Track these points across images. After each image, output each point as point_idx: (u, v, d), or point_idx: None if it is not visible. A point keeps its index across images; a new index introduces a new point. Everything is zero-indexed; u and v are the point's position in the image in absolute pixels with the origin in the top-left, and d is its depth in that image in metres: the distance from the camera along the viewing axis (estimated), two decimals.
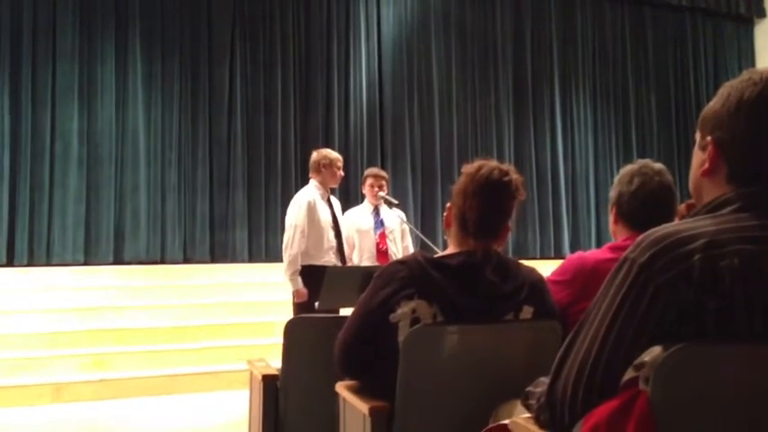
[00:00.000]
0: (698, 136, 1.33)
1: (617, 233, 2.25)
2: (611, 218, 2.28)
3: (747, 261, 1.11)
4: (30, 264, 7.65)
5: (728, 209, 1.21)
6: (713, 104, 1.30)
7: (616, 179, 2.25)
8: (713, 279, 1.11)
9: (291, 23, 9.21)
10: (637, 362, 1.14)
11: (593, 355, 1.19)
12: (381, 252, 5.32)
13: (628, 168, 2.22)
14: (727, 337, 1.12)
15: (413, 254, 2.01)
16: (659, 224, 1.22)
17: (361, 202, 5.69)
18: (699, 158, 1.32)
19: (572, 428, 1.19)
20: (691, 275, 1.12)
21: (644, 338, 1.15)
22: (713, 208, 1.23)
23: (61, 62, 8.05)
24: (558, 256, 9.79)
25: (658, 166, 2.21)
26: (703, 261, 1.12)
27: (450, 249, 2.02)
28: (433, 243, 5.50)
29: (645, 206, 2.14)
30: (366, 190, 5.45)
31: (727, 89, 1.28)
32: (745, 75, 1.27)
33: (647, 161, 2.24)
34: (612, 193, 2.25)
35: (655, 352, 1.12)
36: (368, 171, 5.61)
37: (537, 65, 10.65)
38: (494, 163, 2.00)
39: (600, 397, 1.17)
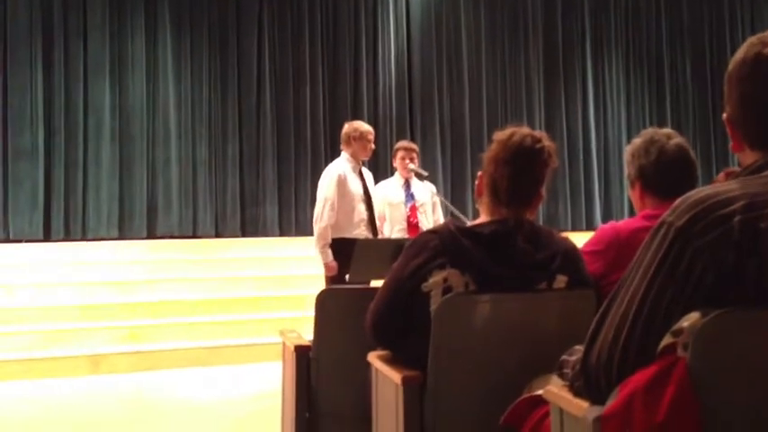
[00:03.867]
0: None
1: (646, 207, 2.20)
2: (634, 194, 2.23)
3: None
4: (66, 239, 7.79)
5: (766, 173, 1.18)
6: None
7: (628, 155, 2.21)
8: (753, 241, 1.08)
9: None
10: (675, 328, 1.11)
11: (629, 319, 1.17)
12: (412, 225, 5.30)
13: (638, 142, 2.18)
14: (765, 300, 1.09)
15: (444, 223, 1.99)
16: (688, 186, 1.21)
17: (391, 175, 5.67)
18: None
19: (608, 395, 1.17)
20: (730, 238, 1.09)
21: (682, 303, 1.13)
22: (752, 171, 1.21)
23: (92, 38, 8.13)
24: (590, 228, 9.69)
25: (666, 130, 2.19)
26: (743, 223, 1.09)
27: (482, 218, 2.00)
28: (463, 215, 5.46)
29: (670, 172, 2.10)
30: (397, 163, 5.43)
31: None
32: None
33: (653, 129, 2.21)
34: (630, 170, 2.21)
35: (693, 318, 1.09)
36: (398, 144, 5.59)
37: (568, 31, 10.47)
38: (526, 129, 1.96)
39: (636, 363, 1.15)
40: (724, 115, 1.30)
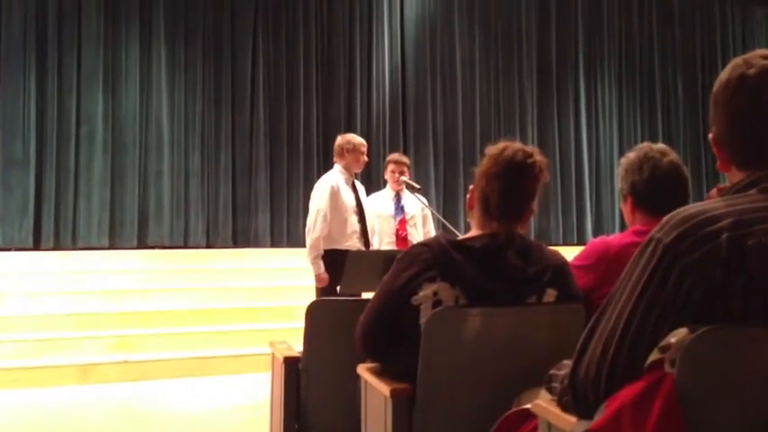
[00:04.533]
0: None
1: (636, 222, 2.22)
2: (626, 208, 2.25)
3: None
4: (56, 247, 7.75)
5: (754, 190, 1.20)
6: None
7: (622, 170, 2.22)
8: (741, 258, 1.10)
9: (314, 7, 9.20)
10: (662, 343, 1.12)
11: (617, 335, 1.18)
12: (401, 238, 5.31)
13: (632, 156, 2.20)
14: (754, 317, 1.10)
15: (435, 236, 2.00)
16: (680, 203, 1.22)
17: (383, 187, 5.68)
18: None
19: (596, 410, 1.18)
20: (718, 255, 1.10)
21: (670, 319, 1.13)
22: (738, 189, 1.23)
23: (86, 47, 8.12)
24: (581, 242, 9.72)
25: (660, 146, 2.20)
26: (730, 240, 1.10)
27: (473, 232, 2.00)
28: (454, 228, 5.48)
29: (662, 189, 2.12)
30: (388, 176, 5.44)
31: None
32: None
33: (647, 144, 2.22)
34: (623, 185, 2.22)
35: (681, 334, 1.10)
36: (389, 157, 5.60)
37: (561, 47, 10.55)
38: (518, 144, 1.98)
39: (624, 378, 1.15)
40: (710, 135, 1.32)
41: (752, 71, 1.23)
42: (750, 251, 1.10)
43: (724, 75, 1.27)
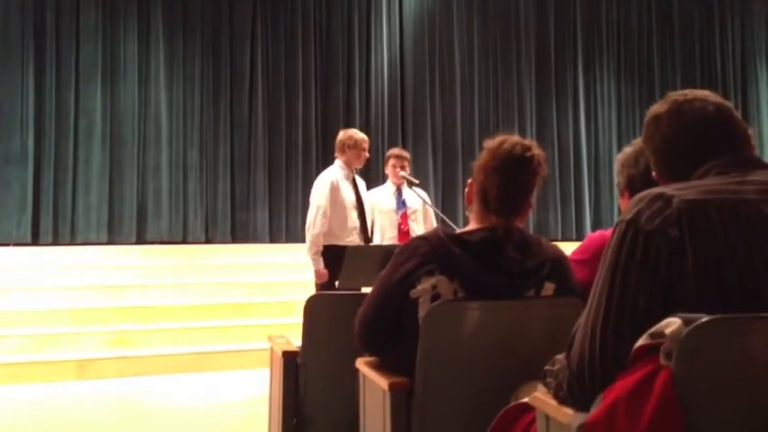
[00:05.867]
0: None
1: None
2: (623, 203, 2.24)
3: (728, 209, 1.22)
4: (54, 242, 7.75)
5: (710, 176, 1.35)
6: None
7: (618, 165, 2.22)
8: (690, 215, 1.21)
9: (312, 2, 9.19)
10: (653, 330, 1.12)
11: (601, 318, 1.23)
12: (403, 232, 5.30)
13: (628, 151, 2.19)
14: (704, 274, 1.18)
15: (434, 230, 1.99)
16: None
17: (382, 182, 5.68)
18: None
19: (591, 402, 1.18)
20: (672, 217, 1.21)
21: (645, 291, 1.20)
22: (697, 177, 1.37)
23: (84, 41, 8.12)
24: (580, 237, 9.72)
25: None
26: (681, 202, 1.22)
27: (472, 225, 2.00)
28: (454, 224, 5.47)
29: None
30: (388, 170, 5.44)
31: None
32: None
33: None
34: (620, 179, 2.22)
35: (674, 324, 1.10)
36: (390, 151, 5.59)
37: (560, 41, 10.54)
38: (516, 138, 1.97)
39: (614, 364, 1.18)
40: (654, 173, 1.57)
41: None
42: (696, 208, 1.21)
43: (662, 107, 1.54)
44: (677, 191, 1.26)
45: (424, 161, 9.48)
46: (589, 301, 1.29)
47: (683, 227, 1.20)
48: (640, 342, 1.14)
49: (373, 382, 2.01)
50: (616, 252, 1.26)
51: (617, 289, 1.23)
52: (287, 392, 2.67)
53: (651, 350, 1.12)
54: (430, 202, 5.57)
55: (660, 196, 1.26)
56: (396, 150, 5.61)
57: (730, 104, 1.50)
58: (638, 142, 2.22)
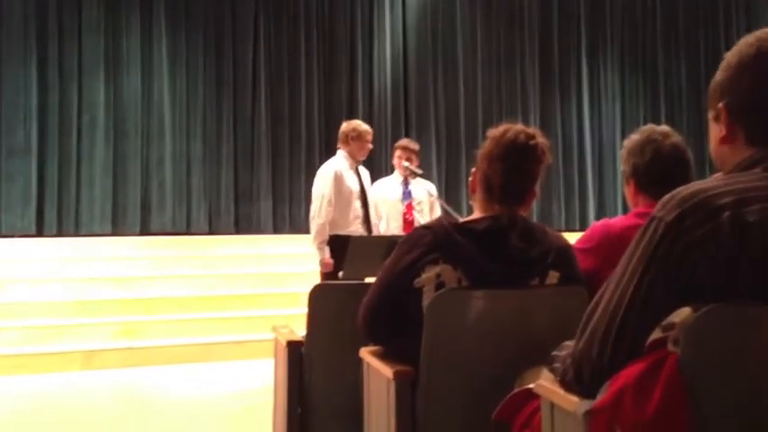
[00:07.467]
0: (710, 113, 1.32)
1: (638, 204, 2.20)
2: (629, 191, 2.23)
3: None
4: (58, 234, 7.77)
5: (758, 168, 1.18)
6: (717, 76, 1.30)
7: (624, 152, 2.21)
8: (742, 237, 1.09)
9: None
10: (665, 322, 1.12)
11: (620, 314, 1.17)
12: (408, 223, 5.29)
13: (634, 139, 2.18)
14: (757, 295, 1.09)
15: (438, 218, 1.99)
16: (683, 185, 1.20)
17: (386, 172, 5.67)
18: (715, 130, 1.31)
19: (598, 389, 1.18)
20: (720, 233, 1.10)
21: (672, 297, 1.13)
22: (742, 168, 1.21)
23: (87, 35, 8.11)
24: (583, 227, 9.70)
25: (664, 128, 2.18)
26: (732, 218, 1.09)
27: (476, 214, 1.99)
28: (457, 213, 5.45)
29: (664, 172, 2.10)
30: (395, 161, 5.43)
31: (726, 58, 1.27)
32: (740, 41, 1.26)
33: (651, 126, 2.20)
34: (626, 167, 2.21)
35: (684, 313, 1.10)
36: (399, 142, 5.56)
37: (563, 32, 10.50)
38: (519, 126, 1.96)
39: (626, 357, 1.15)
40: (720, 104, 1.27)
41: None
42: (751, 229, 1.09)
43: (752, 40, 1.23)
44: (728, 196, 1.11)
45: (428, 152, 9.45)
46: (612, 288, 1.21)
47: (731, 247, 1.09)
48: (653, 336, 1.12)
49: (378, 371, 2.02)
50: (650, 254, 1.15)
51: (643, 292, 1.15)
52: (291, 382, 2.68)
53: (662, 344, 1.11)
54: (439, 199, 5.55)
55: (708, 201, 1.12)
56: (404, 141, 5.58)
57: None
58: (645, 129, 2.20)
